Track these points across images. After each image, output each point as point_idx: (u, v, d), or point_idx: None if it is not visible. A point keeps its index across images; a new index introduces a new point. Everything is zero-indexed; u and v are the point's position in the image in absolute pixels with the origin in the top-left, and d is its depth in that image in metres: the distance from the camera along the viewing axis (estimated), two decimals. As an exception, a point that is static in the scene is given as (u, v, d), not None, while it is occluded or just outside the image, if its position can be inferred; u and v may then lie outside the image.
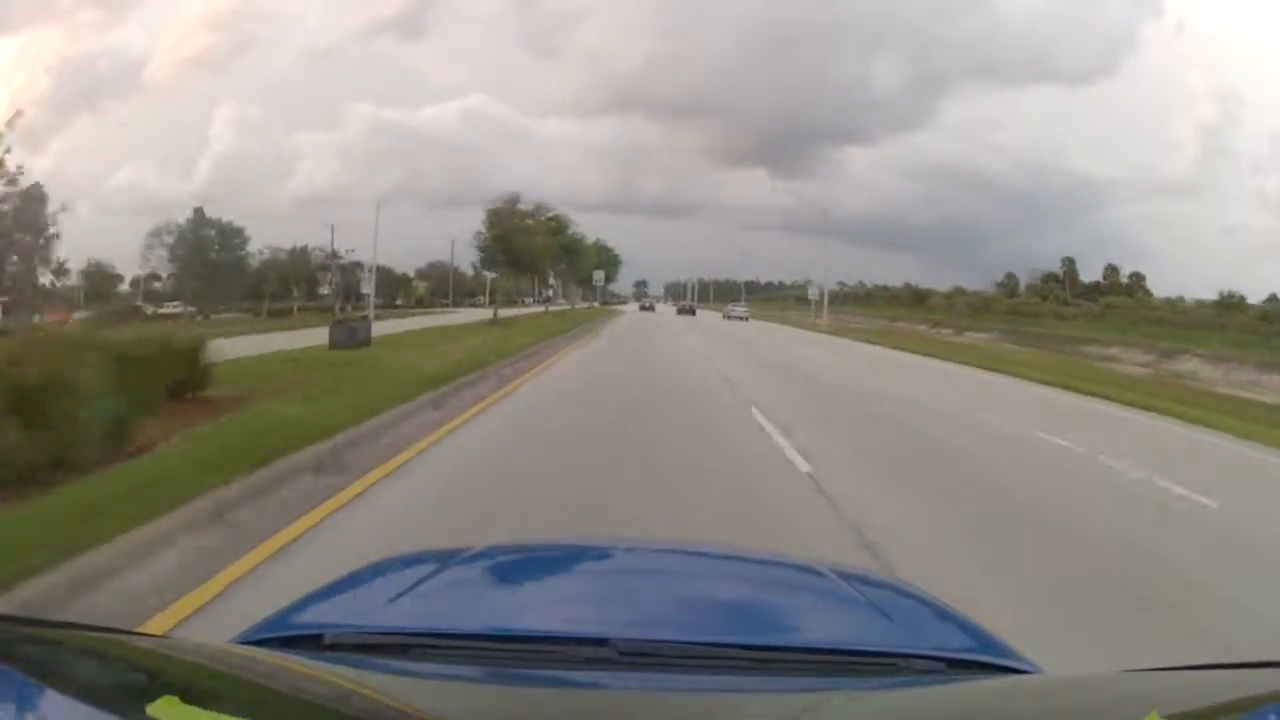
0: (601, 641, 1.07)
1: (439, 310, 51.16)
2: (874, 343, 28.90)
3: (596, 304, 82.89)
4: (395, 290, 76.24)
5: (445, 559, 1.50)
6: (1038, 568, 4.29)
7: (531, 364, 14.25)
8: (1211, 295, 44.25)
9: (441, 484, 5.43)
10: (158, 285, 48.38)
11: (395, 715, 0.87)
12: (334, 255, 46.25)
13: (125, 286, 48.87)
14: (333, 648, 1.10)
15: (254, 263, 48.43)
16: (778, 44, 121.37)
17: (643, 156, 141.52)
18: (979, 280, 61.79)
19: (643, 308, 71.89)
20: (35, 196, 24.33)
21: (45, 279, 30.51)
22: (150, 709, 0.66)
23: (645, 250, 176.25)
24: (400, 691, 0.96)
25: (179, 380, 7.17)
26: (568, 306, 55.69)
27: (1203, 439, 10.40)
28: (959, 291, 59.11)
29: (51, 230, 26.38)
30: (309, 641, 1.12)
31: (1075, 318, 46.27)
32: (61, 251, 28.92)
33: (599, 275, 53.18)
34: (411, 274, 76.74)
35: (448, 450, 6.54)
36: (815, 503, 5.34)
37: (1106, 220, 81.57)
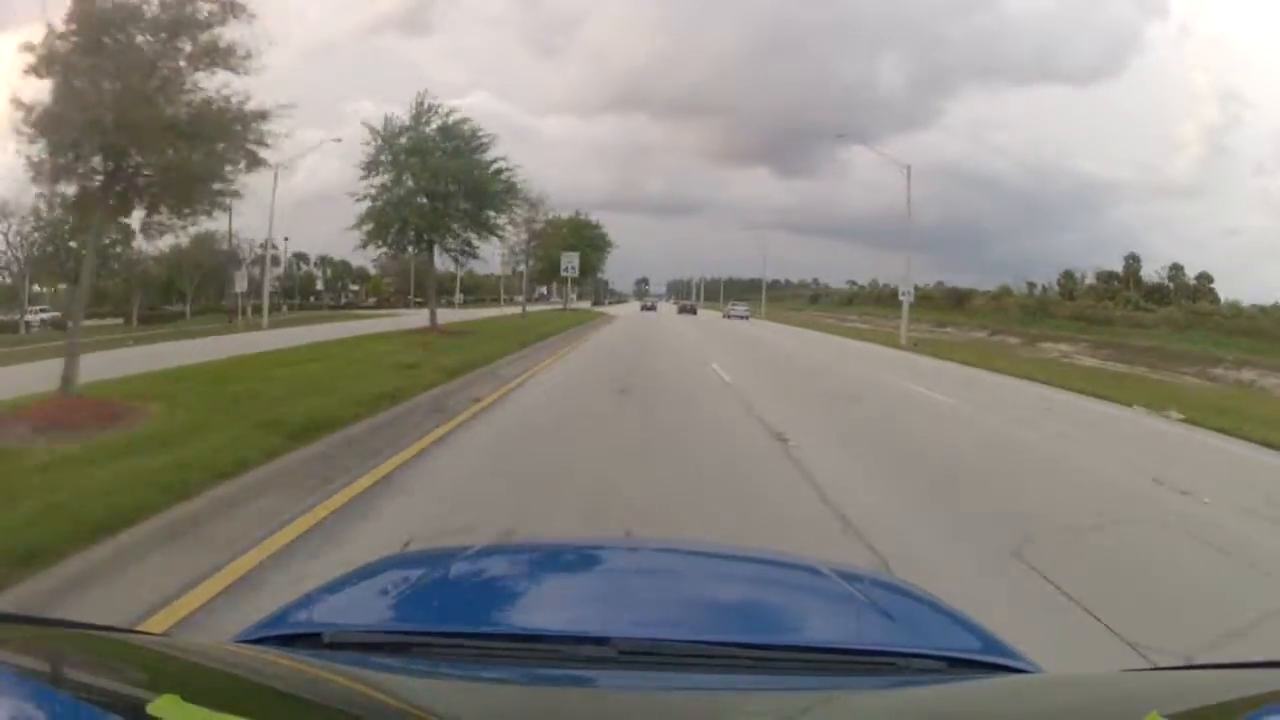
0: (602, 641, 1.07)
1: (386, 313, 42.04)
2: (1008, 374, 18.24)
3: (589, 303, 79.22)
4: (362, 286, 69.51)
5: (445, 558, 1.50)
6: None
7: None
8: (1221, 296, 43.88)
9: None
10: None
11: (395, 714, 0.87)
12: (233, 244, 36.51)
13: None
14: (332, 647, 1.09)
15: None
16: (781, 44, 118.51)
17: (646, 155, 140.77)
18: (980, 280, 59.52)
19: (644, 308, 68.60)
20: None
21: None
22: (150, 709, 0.66)
23: (648, 249, 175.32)
24: (400, 690, 0.96)
25: None
26: (558, 307, 50.71)
27: None
28: (1005, 292, 52.13)
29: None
30: (308, 640, 1.12)
31: (1155, 325, 39.92)
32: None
33: (570, 261, 33.57)
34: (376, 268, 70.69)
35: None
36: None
37: (1108, 220, 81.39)
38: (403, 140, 18.74)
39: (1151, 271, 51.33)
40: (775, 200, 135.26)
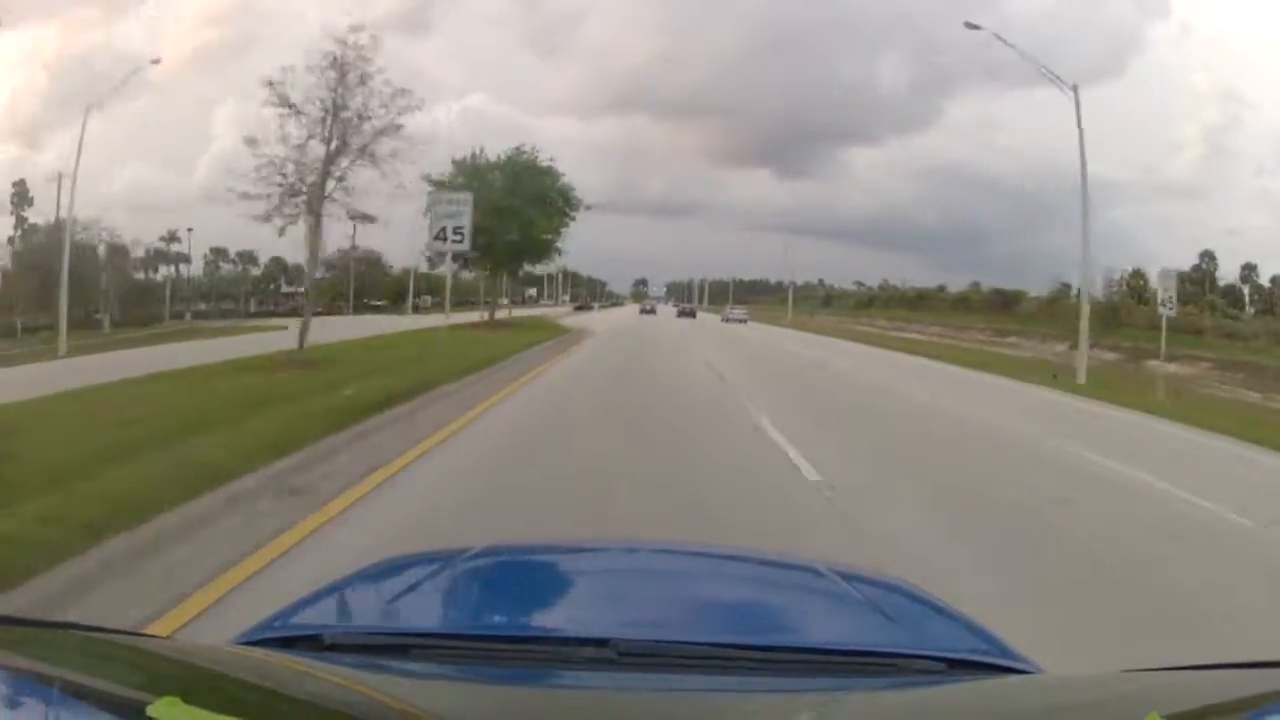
0: (602, 642, 1.07)
1: (277, 326, 27.09)
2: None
3: (576, 306, 75.69)
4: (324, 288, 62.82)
5: (444, 560, 1.50)
6: None
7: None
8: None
9: None
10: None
11: (394, 716, 0.89)
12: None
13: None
14: (332, 648, 1.09)
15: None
16: (782, 43, 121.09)
17: (645, 156, 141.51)
18: (983, 281, 53.20)
19: (643, 310, 63.94)
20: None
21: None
22: (150, 709, 0.66)
23: (647, 250, 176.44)
24: (399, 692, 0.97)
25: None
26: (534, 312, 44.45)
27: None
28: (1061, 294, 45.01)
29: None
30: (308, 642, 1.11)
31: (1253, 336, 33.01)
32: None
33: (453, 218, 14.79)
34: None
35: None
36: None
37: (1110, 220, 75.27)
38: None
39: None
40: (776, 201, 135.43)
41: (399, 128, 13.05)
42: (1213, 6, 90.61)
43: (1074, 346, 31.97)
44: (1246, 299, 45.42)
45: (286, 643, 1.12)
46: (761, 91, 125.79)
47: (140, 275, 45.15)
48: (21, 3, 60.81)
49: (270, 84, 12.49)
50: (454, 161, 24.18)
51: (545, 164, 25.42)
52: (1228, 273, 46.92)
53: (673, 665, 1.06)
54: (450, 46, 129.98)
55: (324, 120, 12.51)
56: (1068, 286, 48.33)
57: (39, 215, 38.22)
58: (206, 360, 12.33)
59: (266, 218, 12.35)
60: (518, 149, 25.37)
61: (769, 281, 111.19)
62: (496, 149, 25.62)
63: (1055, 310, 40.51)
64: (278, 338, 16.44)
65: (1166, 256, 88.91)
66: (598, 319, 43.80)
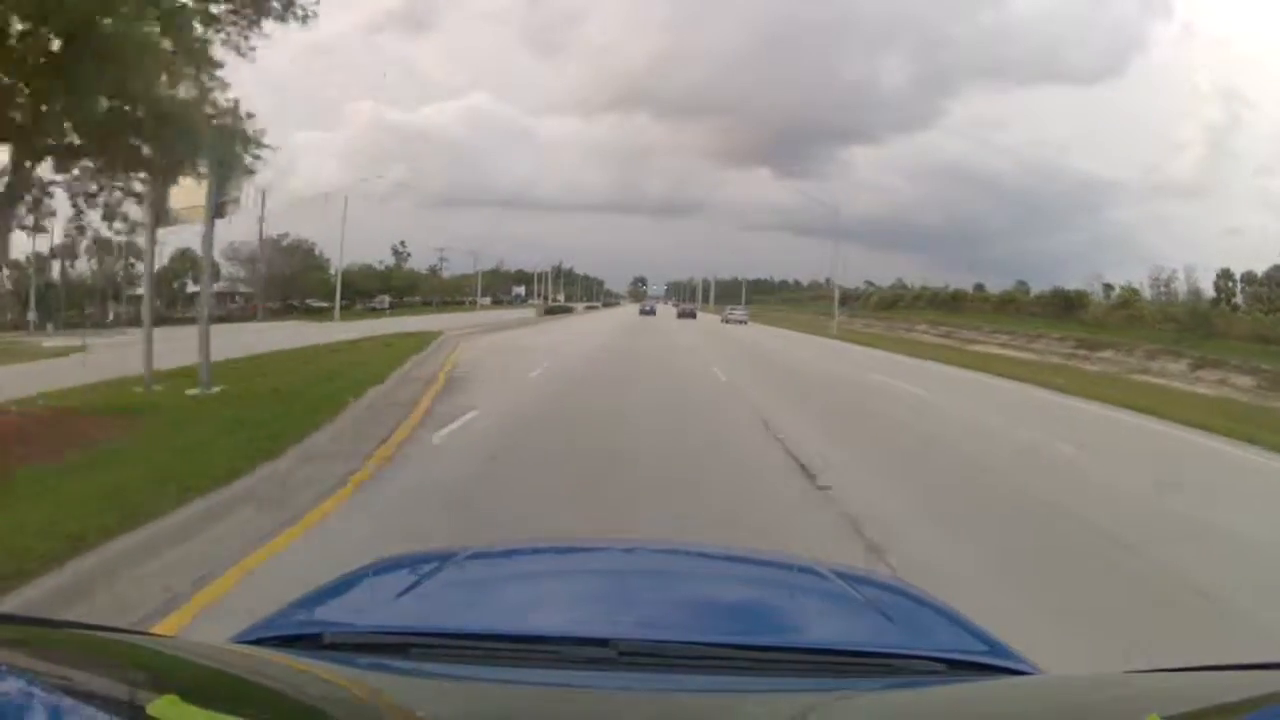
0: (602, 642, 1.07)
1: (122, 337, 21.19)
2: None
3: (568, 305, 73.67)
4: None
5: (444, 559, 1.50)
6: None
7: None
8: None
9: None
10: None
11: (394, 715, 0.89)
12: None
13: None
14: (332, 647, 1.09)
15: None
16: (784, 43, 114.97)
17: (646, 156, 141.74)
18: (986, 282, 51.36)
19: (643, 311, 60.90)
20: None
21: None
22: (150, 709, 0.66)
23: (647, 250, 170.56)
24: (399, 691, 0.97)
25: None
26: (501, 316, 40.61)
27: None
28: (1133, 296, 39.87)
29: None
30: (308, 641, 1.11)
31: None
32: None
33: None
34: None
35: None
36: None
37: (1111, 220, 78.44)
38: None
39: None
40: (776, 201, 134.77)
41: None
42: (1215, 6, 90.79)
43: (1150, 357, 26.92)
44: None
45: (286, 642, 1.12)
46: (762, 90, 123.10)
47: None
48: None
49: None
50: None
51: None
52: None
53: (673, 665, 1.06)
54: (451, 44, 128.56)
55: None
56: (1110, 286, 44.00)
57: None
58: None
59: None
60: None
61: (772, 280, 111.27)
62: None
63: (1132, 315, 35.68)
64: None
65: (1168, 256, 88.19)
66: (558, 332, 28.88)
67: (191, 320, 34.19)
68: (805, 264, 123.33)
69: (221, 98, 7.40)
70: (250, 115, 8.07)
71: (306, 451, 6.33)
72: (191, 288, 42.08)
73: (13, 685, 0.74)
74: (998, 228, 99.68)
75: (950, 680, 1.11)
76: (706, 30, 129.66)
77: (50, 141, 6.65)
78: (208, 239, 9.68)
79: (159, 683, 0.80)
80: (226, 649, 1.10)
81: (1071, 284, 43.16)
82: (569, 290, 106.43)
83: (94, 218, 8.61)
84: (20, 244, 30.74)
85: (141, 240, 10.67)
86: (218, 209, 9.16)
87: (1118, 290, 41.01)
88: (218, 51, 7.15)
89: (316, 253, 51.34)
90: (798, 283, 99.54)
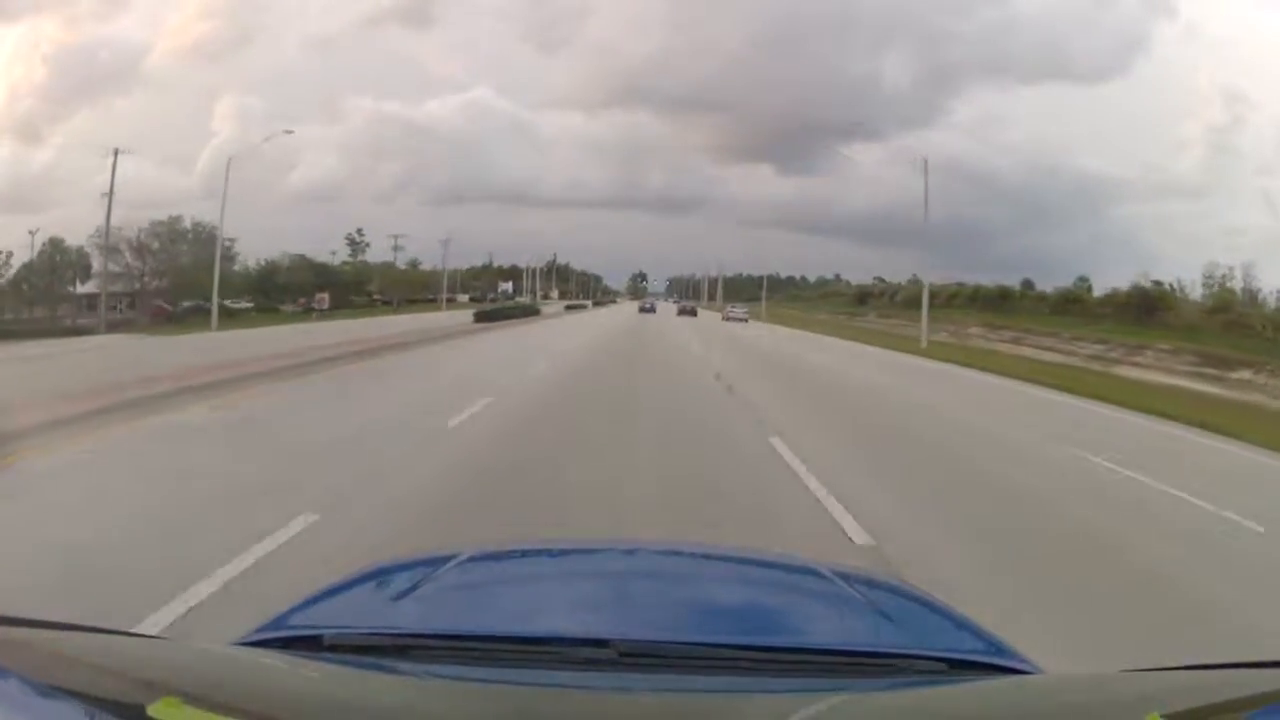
0: (601, 643, 1.06)
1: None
2: None
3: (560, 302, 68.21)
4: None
5: (444, 561, 1.49)
6: None
7: None
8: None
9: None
10: None
11: (394, 716, 0.89)
12: None
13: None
14: (332, 649, 1.09)
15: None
16: (785, 39, 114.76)
17: (647, 151, 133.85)
18: (985, 279, 48.31)
19: (642, 309, 57.51)
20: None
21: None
22: (150, 709, 0.67)
23: (648, 246, 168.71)
24: (399, 693, 0.98)
25: None
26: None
27: None
28: (1229, 297, 33.94)
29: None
30: (308, 643, 1.11)
31: None
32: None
33: None
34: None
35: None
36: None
37: (1113, 220, 74.57)
38: None
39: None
40: (777, 197, 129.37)
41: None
42: (1219, 7, 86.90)
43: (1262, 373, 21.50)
44: None
45: (286, 643, 1.12)
46: (764, 87, 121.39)
47: None
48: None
49: None
50: None
51: None
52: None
53: (673, 665, 1.06)
54: (452, 40, 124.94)
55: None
56: (1159, 283, 38.61)
57: None
58: None
59: None
60: None
61: (779, 276, 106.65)
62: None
63: (1227, 321, 29.99)
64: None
65: (1171, 256, 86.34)
66: (460, 361, 16.38)
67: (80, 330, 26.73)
68: (808, 262, 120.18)
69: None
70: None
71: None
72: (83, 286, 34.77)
73: (13, 686, 0.74)
74: (998, 225, 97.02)
75: (951, 680, 1.10)
76: (708, 26, 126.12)
77: None
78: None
79: (159, 684, 0.80)
80: (226, 651, 1.11)
81: (1066, 282, 41.27)
82: (563, 287, 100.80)
83: None
84: None
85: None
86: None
87: (1167, 287, 35.57)
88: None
89: (228, 241, 40.21)
90: (805, 279, 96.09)
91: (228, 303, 39.69)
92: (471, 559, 1.55)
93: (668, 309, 63.59)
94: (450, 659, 1.06)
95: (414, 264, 66.92)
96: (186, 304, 37.51)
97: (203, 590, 3.43)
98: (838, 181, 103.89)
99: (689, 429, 8.54)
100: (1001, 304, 41.98)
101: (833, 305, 62.17)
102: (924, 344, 27.93)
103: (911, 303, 49.56)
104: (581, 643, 1.08)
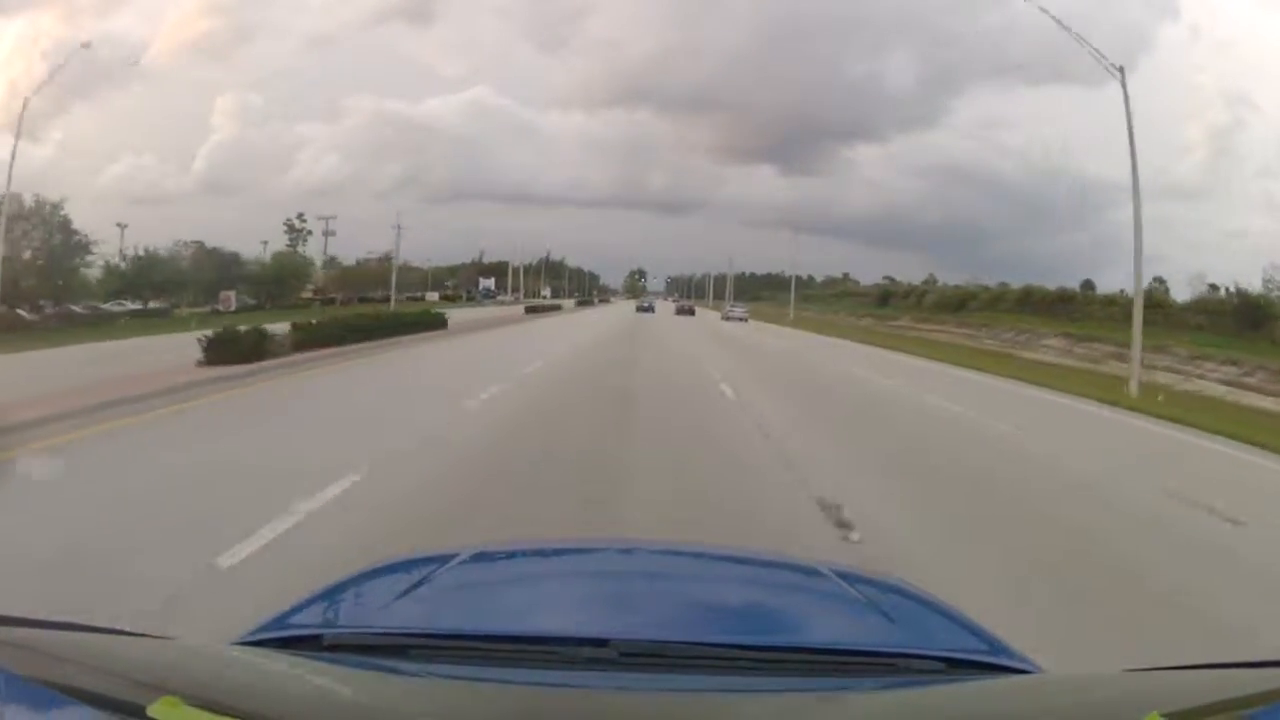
0: (601, 642, 1.06)
1: None
2: None
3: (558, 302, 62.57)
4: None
5: (444, 560, 1.49)
6: None
7: None
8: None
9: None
10: None
11: (394, 716, 0.89)
12: None
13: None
14: (332, 649, 1.09)
15: None
16: (788, 39, 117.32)
17: (649, 151, 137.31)
18: (988, 281, 45.70)
19: (640, 308, 54.94)
20: None
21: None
22: (150, 709, 0.66)
23: (649, 245, 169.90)
24: (399, 692, 0.97)
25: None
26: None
27: None
28: None
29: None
30: (308, 642, 1.11)
31: None
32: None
33: None
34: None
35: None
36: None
37: (1113, 221, 75.13)
38: None
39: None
40: (779, 198, 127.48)
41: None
42: (1222, 9, 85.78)
43: None
44: None
45: (286, 643, 1.12)
46: (765, 87, 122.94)
47: None
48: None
49: None
50: None
51: None
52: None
53: (673, 665, 1.06)
54: (453, 38, 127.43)
55: None
56: (1214, 287, 33.49)
57: None
58: None
59: None
60: None
61: (782, 275, 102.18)
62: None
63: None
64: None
65: (1173, 257, 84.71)
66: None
67: None
68: (808, 262, 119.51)
69: None
70: None
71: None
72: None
73: (13, 686, 0.74)
74: (999, 227, 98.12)
75: (950, 680, 1.10)
76: (710, 26, 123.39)
77: None
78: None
79: (159, 683, 0.79)
80: (226, 650, 1.10)
81: (1071, 284, 38.00)
82: (555, 284, 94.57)
83: None
84: None
85: None
86: None
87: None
88: None
89: (77, 228, 32.92)
90: (811, 278, 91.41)
91: (111, 304, 33.30)
92: (471, 559, 1.55)
93: (668, 308, 61.83)
94: (450, 659, 1.05)
95: (386, 258, 59.35)
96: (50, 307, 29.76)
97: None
98: (839, 182, 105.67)
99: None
100: (1060, 309, 35.02)
101: (849, 306, 56.19)
102: (1135, 389, 16.05)
103: (945, 305, 43.70)
104: (581, 642, 1.07)
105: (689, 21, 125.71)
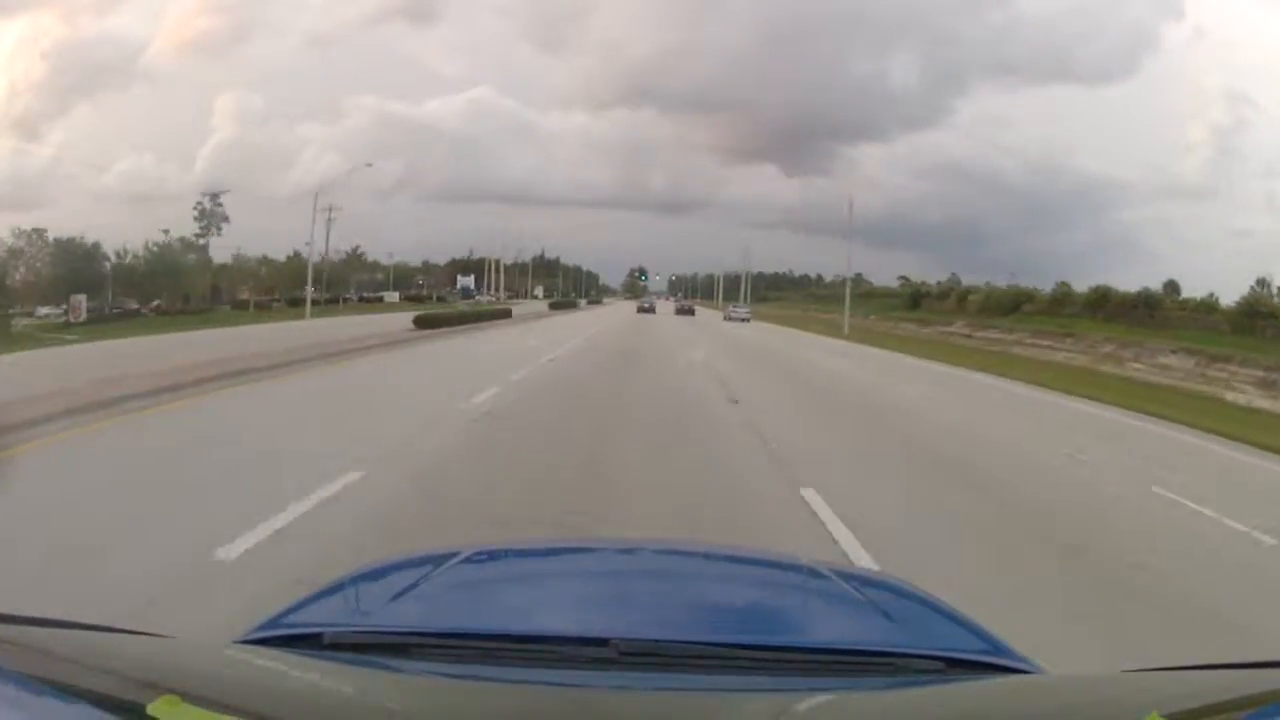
0: (601, 642, 1.06)
1: None
2: None
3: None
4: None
5: (444, 559, 1.49)
6: None
7: None
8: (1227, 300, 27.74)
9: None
10: None
11: (394, 715, 0.88)
12: None
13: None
14: (332, 647, 1.08)
15: None
16: (790, 39, 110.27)
17: (651, 152, 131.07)
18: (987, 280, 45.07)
19: (641, 308, 52.54)
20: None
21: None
22: (150, 709, 0.66)
23: (651, 246, 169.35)
24: (399, 691, 0.97)
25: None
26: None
27: None
28: None
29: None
30: (308, 641, 1.11)
31: None
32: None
33: None
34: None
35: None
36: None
37: (1117, 221, 76.55)
38: None
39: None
40: (781, 198, 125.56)
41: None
42: (1226, 8, 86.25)
43: None
44: None
45: (286, 642, 1.11)
46: (768, 86, 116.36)
47: None
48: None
49: None
50: None
51: None
52: None
53: (673, 665, 1.05)
54: (455, 37, 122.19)
55: None
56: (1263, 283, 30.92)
57: None
58: None
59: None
60: None
61: (792, 274, 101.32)
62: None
63: None
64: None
65: (1176, 257, 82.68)
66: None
67: None
68: (809, 262, 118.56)
69: None
70: None
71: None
72: None
73: (13, 685, 0.74)
74: (1002, 227, 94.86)
75: (950, 679, 1.09)
76: (712, 26, 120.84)
77: None
78: None
79: (159, 683, 0.79)
80: (226, 649, 1.10)
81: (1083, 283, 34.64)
82: (549, 283, 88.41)
83: None
84: None
85: None
86: None
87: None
88: None
89: None
90: (820, 277, 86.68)
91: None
92: (471, 558, 1.55)
93: (669, 308, 59.76)
94: (450, 657, 1.05)
95: (356, 254, 53.04)
96: None
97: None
98: (841, 182, 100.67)
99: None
100: (1136, 315, 29.70)
101: (874, 308, 50.59)
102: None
103: (993, 308, 38.06)
104: (581, 641, 1.07)
105: (692, 21, 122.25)
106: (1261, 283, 31.81)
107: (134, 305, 33.78)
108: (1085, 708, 0.99)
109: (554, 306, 56.15)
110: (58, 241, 34.55)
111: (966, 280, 47.86)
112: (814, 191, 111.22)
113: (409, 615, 1.24)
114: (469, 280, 61.29)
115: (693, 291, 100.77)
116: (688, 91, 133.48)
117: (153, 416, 8.12)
